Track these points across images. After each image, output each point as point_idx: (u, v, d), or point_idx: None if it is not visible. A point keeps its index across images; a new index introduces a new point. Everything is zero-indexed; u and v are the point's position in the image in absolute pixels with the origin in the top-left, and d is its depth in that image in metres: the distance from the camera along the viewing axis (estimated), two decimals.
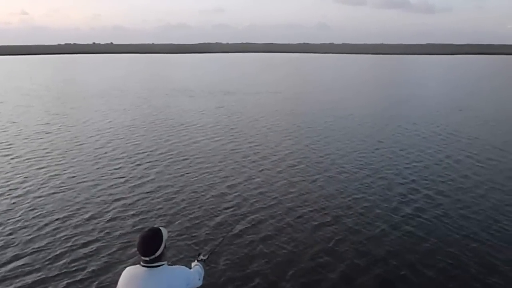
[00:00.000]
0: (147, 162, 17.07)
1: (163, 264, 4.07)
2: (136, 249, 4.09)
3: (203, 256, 5.14)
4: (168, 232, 4.29)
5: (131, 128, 24.04)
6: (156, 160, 17.38)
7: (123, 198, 13.14)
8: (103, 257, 9.59)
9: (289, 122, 26.20)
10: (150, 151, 18.81)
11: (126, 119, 27.21)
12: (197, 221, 11.42)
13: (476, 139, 21.12)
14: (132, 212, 12.07)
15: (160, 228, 4.20)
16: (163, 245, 4.07)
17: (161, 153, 18.47)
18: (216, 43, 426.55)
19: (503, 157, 17.80)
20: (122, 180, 14.89)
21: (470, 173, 15.66)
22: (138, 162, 17.07)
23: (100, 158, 17.67)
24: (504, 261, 9.25)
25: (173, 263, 4.36)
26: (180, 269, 4.28)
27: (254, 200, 13.03)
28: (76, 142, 20.58)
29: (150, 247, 3.99)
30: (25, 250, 9.85)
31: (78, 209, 12.30)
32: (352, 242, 10.23)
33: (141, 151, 18.81)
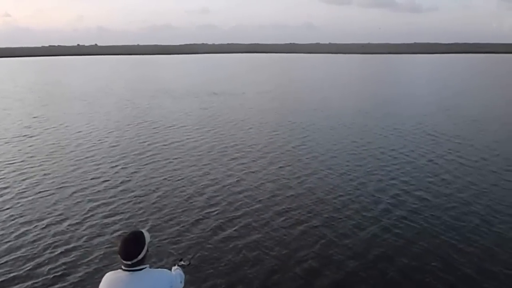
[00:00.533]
0: (129, 165, 16.88)
1: (145, 267, 3.99)
2: (117, 253, 3.98)
3: (184, 262, 5.08)
4: (150, 235, 4.23)
5: (113, 131, 23.80)
6: (138, 163, 17.20)
7: (104, 202, 12.95)
8: (83, 262, 9.45)
9: (275, 123, 26.10)
10: (132, 154, 18.61)
11: (108, 121, 26.95)
12: (179, 225, 11.27)
13: (461, 138, 21.09)
14: (113, 216, 11.91)
15: (142, 231, 4.13)
16: (145, 249, 4.00)
17: (143, 156, 18.28)
18: (202, 43, 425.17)
19: (488, 157, 17.71)
20: (103, 183, 14.70)
21: (455, 173, 15.51)
22: (120, 165, 16.86)
23: (81, 162, 17.45)
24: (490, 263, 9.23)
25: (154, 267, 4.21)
26: (162, 271, 4.20)
27: (238, 203, 12.89)
28: (57, 145, 20.33)
29: (132, 251, 3.92)
30: (2, 257, 9.66)
31: (58, 214, 12.10)
32: (338, 246, 10.11)
33: (122, 154, 18.59)
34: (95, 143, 20.70)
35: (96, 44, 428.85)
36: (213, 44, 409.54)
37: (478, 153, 18.24)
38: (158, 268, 4.28)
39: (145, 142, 20.87)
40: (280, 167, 16.58)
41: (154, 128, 24.50)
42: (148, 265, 4.04)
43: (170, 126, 24.95)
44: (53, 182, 14.85)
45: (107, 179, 15.14)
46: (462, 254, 9.55)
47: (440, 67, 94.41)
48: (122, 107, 33.22)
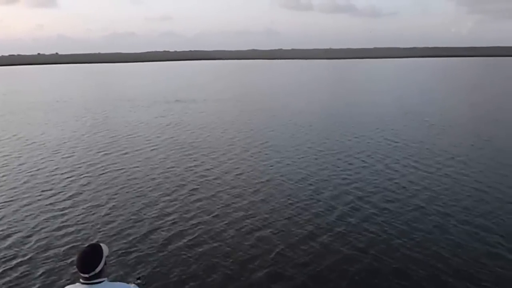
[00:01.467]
0: (82, 176, 16.52)
1: (103, 281, 3.91)
2: (74, 266, 4.07)
3: (142, 281, 5.11)
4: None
5: (68, 141, 23.33)
6: (92, 174, 16.84)
7: (55, 215, 12.62)
8: (37, 277, 9.19)
9: (233, 130, 26.09)
10: (86, 165, 18.26)
11: (64, 131, 26.44)
12: (131, 237, 11.08)
13: (418, 143, 21.29)
14: (63, 229, 11.64)
15: (100, 244, 4.07)
16: (103, 261, 3.92)
17: (97, 167, 17.94)
18: (164, 51, 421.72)
19: (443, 161, 17.87)
20: (55, 195, 14.35)
21: (411, 179, 15.63)
22: (73, 177, 16.50)
23: (33, 173, 17.01)
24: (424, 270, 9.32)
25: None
26: (122, 285, 4.12)
27: (192, 213, 12.70)
28: (9, 156, 19.82)
29: (89, 263, 3.84)
30: None
31: (9, 228, 11.75)
32: (290, 256, 10.01)
33: (76, 165, 18.20)
34: (48, 154, 20.24)
35: (57, 53, 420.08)
36: (176, 52, 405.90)
37: (434, 157, 18.47)
38: (117, 282, 4.21)
39: (100, 152, 20.52)
40: (236, 175, 16.53)
41: (110, 137, 24.12)
42: (106, 278, 3.97)
43: (126, 135, 24.62)
44: (2, 195, 14.42)
45: (59, 191, 14.80)
46: (415, 261, 9.58)
47: (400, 71, 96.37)
48: (79, 117, 32.57)
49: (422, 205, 12.97)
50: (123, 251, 10.27)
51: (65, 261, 9.77)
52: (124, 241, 10.84)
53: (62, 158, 19.44)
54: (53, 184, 15.62)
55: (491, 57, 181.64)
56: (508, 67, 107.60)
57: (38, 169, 17.60)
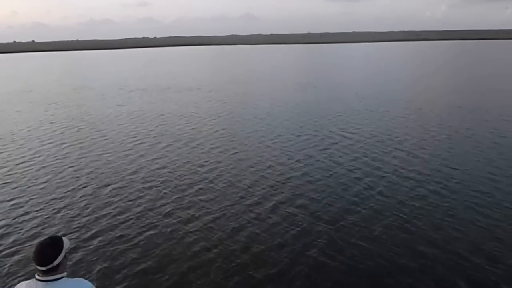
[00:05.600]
0: (35, 169, 16.14)
1: (62, 277, 3.75)
2: (31, 261, 3.77)
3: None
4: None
5: (21, 132, 22.93)
6: (47, 166, 16.40)
7: (13, 208, 12.30)
8: None
9: (197, 120, 25.97)
10: (40, 157, 18.01)
11: (17, 122, 25.90)
12: (94, 233, 10.65)
13: (376, 136, 20.16)
14: (23, 223, 11.24)
15: (61, 236, 3.89)
16: (62, 254, 3.74)
17: (52, 158, 17.57)
18: (143, 37, 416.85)
19: (400, 148, 17.63)
20: (13, 188, 13.97)
21: (363, 166, 15.33)
22: (26, 169, 16.09)
23: None
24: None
25: None
26: (82, 282, 3.92)
27: (141, 209, 12.09)
28: None
29: (47, 255, 3.65)
30: None
31: None
32: (247, 245, 9.97)
33: (29, 156, 17.98)
34: (6, 145, 19.95)
35: (33, 41, 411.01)
36: (155, 38, 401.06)
37: (389, 144, 18.26)
38: (76, 278, 4.00)
39: (50, 143, 20.07)
40: (195, 166, 16.12)
41: (67, 128, 23.72)
42: (65, 274, 3.80)
43: (86, 126, 24.16)
44: None
45: (12, 184, 14.42)
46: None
47: (375, 55, 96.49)
48: (40, 107, 31.72)
49: (371, 193, 12.74)
50: (82, 246, 9.95)
51: (20, 257, 9.45)
52: (84, 236, 10.44)
53: (10, 151, 19.01)
54: (12, 176, 15.29)
55: (464, 40, 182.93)
56: (480, 50, 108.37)
57: None
